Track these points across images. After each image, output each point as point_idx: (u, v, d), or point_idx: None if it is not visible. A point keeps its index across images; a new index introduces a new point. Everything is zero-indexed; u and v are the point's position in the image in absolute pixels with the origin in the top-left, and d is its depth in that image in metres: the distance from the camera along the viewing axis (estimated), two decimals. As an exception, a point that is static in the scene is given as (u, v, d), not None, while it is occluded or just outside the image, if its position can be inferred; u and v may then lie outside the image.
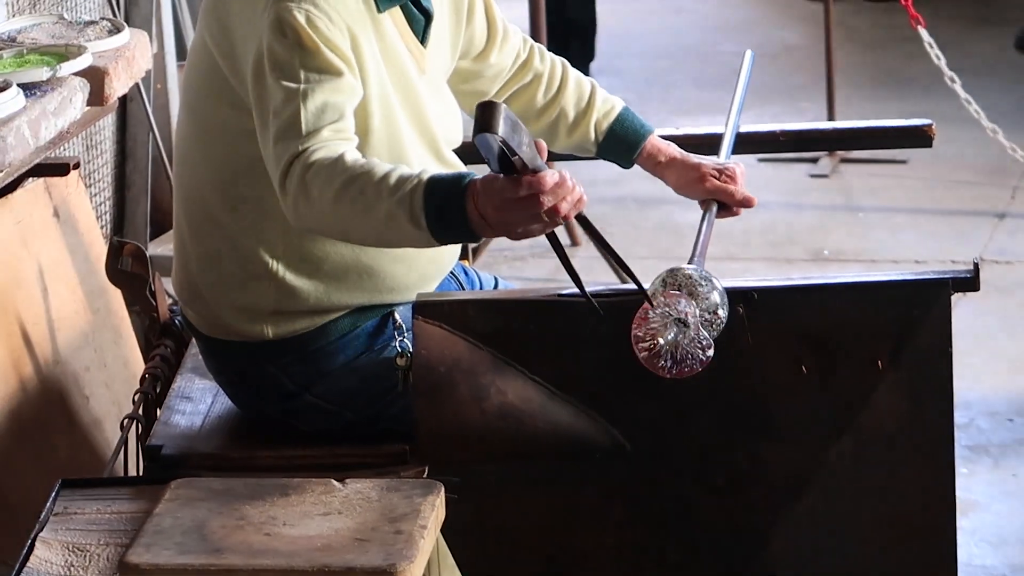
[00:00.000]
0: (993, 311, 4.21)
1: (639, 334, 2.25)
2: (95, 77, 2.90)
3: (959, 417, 3.28)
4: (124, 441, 2.55)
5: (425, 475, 2.36)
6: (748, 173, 2.64)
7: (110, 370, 3.15)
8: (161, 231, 4.16)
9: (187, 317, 2.52)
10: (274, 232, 2.38)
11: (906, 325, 2.39)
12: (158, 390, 2.62)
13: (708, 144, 2.67)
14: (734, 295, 2.34)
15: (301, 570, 2.05)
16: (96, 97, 2.90)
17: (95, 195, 3.92)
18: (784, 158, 5.20)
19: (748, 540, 2.43)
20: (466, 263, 2.70)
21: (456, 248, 2.52)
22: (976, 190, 5.07)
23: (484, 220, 2.12)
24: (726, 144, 2.65)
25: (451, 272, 2.58)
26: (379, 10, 2.35)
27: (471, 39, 2.56)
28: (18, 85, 2.75)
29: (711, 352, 2.25)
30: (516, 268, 4.52)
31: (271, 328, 2.41)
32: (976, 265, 2.42)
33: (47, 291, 3.02)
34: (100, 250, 3.18)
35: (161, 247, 3.99)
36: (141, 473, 2.53)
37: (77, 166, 3.13)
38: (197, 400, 2.59)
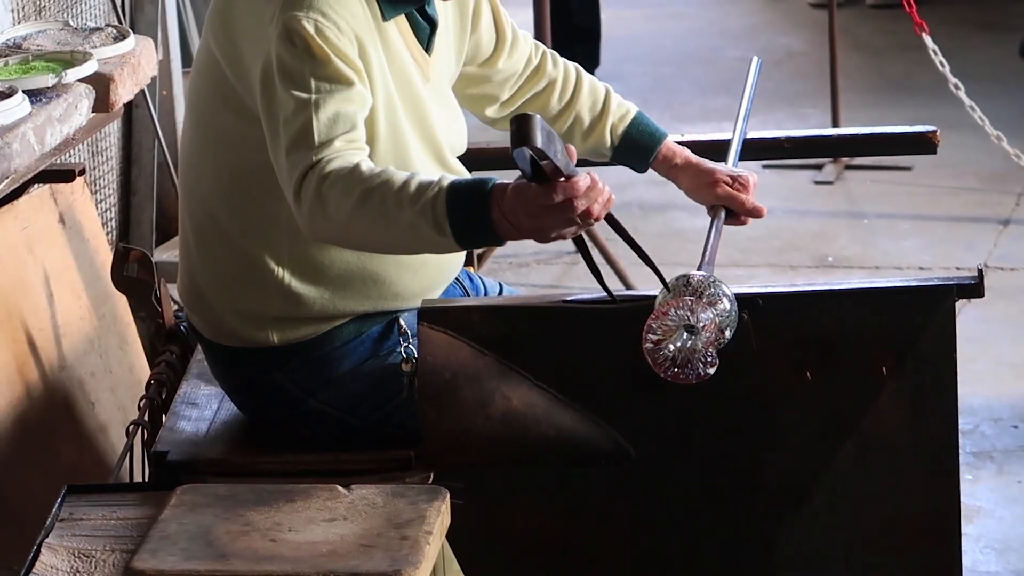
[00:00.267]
0: (997, 317, 4.21)
1: (653, 325, 2.25)
2: (100, 84, 2.91)
3: (963, 423, 3.29)
4: (130, 447, 2.55)
5: (430, 481, 2.36)
6: (752, 180, 2.65)
7: (115, 376, 3.15)
8: (166, 237, 4.17)
9: (192, 323, 2.52)
10: (280, 239, 2.38)
11: (910, 331, 2.39)
12: (163, 396, 2.62)
13: (713, 151, 2.67)
14: (739, 301, 2.34)
15: (306, 576, 2.05)
16: (101, 103, 2.91)
17: (100, 201, 3.93)
18: (788, 164, 5.21)
19: (752, 546, 2.43)
20: (471, 269, 2.70)
21: (461, 255, 2.53)
22: (980, 196, 5.07)
23: (512, 225, 2.14)
24: (733, 150, 2.66)
25: (456, 278, 2.58)
26: (385, 18, 2.35)
27: (477, 45, 2.56)
28: (23, 91, 2.76)
29: (712, 371, 2.26)
30: (521, 275, 4.52)
31: (276, 334, 2.42)
32: (980, 271, 2.42)
33: (52, 297, 3.02)
34: (105, 256, 3.18)
35: (166, 253, 3.99)
36: (147, 479, 2.54)
37: (83, 172, 3.13)
38: (203, 406, 2.59)
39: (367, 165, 2.21)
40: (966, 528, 3.20)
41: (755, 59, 2.77)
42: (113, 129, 4.02)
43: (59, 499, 2.29)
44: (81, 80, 2.89)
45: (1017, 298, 4.37)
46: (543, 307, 2.42)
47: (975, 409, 3.75)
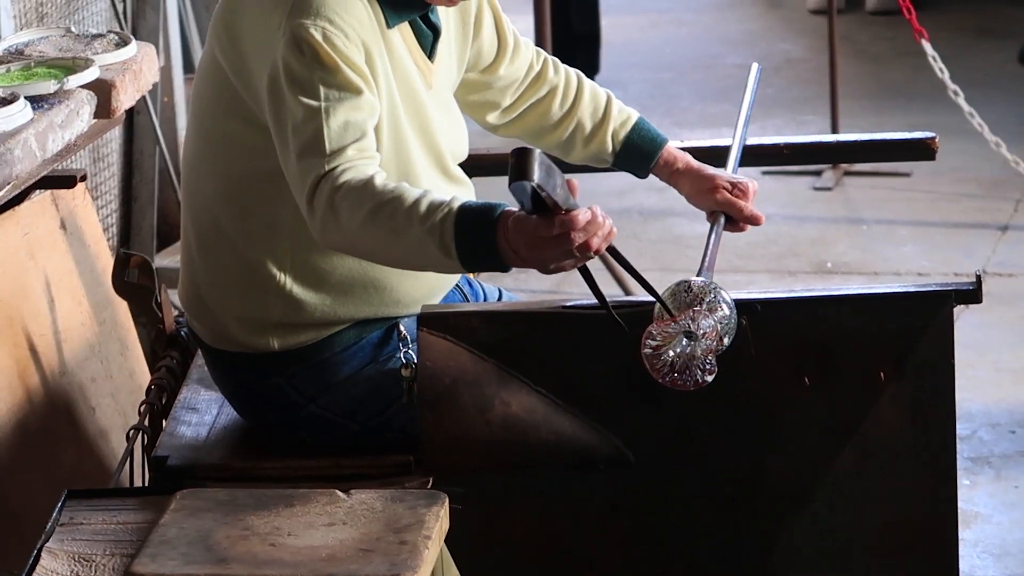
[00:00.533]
0: (995, 323, 4.22)
1: (653, 331, 2.26)
2: (102, 90, 2.92)
3: (961, 428, 3.30)
4: (130, 452, 2.56)
5: (429, 486, 2.36)
6: (751, 186, 2.66)
7: (116, 381, 3.16)
8: (167, 243, 4.17)
9: (193, 328, 2.53)
10: (282, 245, 2.39)
11: (909, 337, 2.39)
12: (164, 401, 2.63)
13: (713, 157, 2.68)
14: (738, 307, 2.35)
15: (306, 580, 2.06)
16: (103, 110, 2.92)
17: (102, 207, 3.94)
18: (788, 171, 5.21)
19: (751, 550, 2.43)
20: (471, 275, 2.70)
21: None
22: (979, 203, 5.07)
23: (516, 254, 2.15)
24: (733, 156, 2.66)
25: (456, 284, 2.59)
26: (388, 26, 2.36)
27: (479, 52, 2.57)
28: (25, 98, 2.77)
29: (710, 379, 2.26)
30: (520, 280, 4.53)
31: (277, 340, 2.42)
32: (978, 277, 2.43)
33: (54, 303, 3.02)
34: (107, 262, 3.19)
35: (167, 259, 3.99)
36: (147, 484, 2.54)
37: (84, 178, 3.14)
38: (203, 411, 2.59)
39: (380, 179, 2.22)
40: (964, 533, 3.20)
41: (755, 65, 2.77)
42: (115, 135, 4.03)
43: (59, 503, 2.30)
44: (83, 86, 2.90)
45: (1015, 304, 4.38)
46: (542, 313, 2.43)
47: (973, 414, 3.75)
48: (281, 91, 2.26)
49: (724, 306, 2.31)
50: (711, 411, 2.39)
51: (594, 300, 2.31)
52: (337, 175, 2.21)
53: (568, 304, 2.41)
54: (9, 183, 2.72)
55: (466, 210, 2.16)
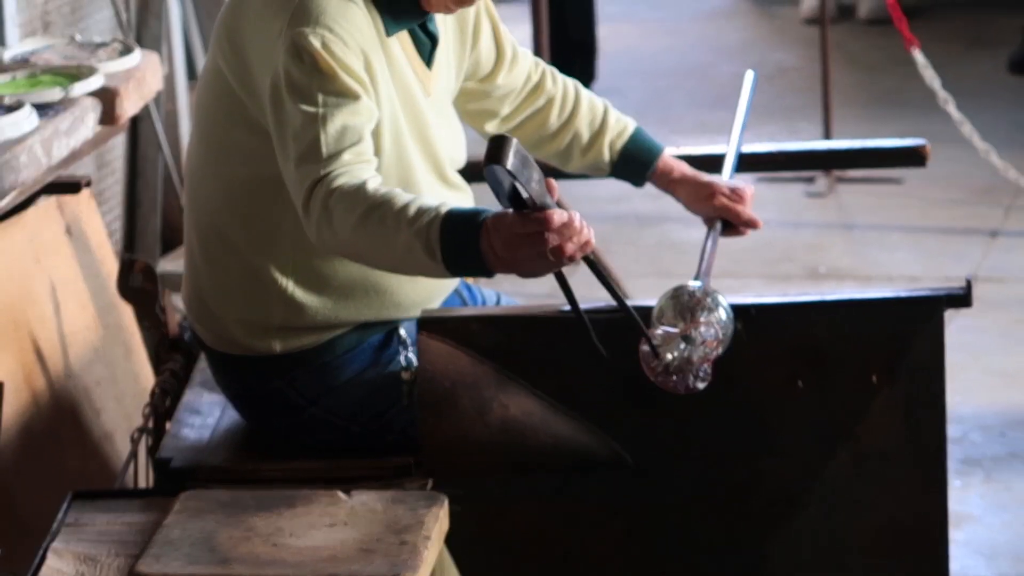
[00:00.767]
0: (986, 327, 4.24)
1: (657, 332, 2.26)
2: (106, 97, 2.93)
3: (952, 431, 3.30)
4: (134, 454, 2.57)
5: (429, 487, 2.37)
6: (745, 192, 2.67)
7: (120, 385, 3.17)
8: (171, 248, 4.17)
9: (196, 332, 2.54)
10: (284, 249, 2.40)
11: (900, 341, 2.41)
12: (167, 404, 2.64)
13: (708, 164, 2.68)
14: (733, 311, 2.36)
15: (308, 580, 2.07)
16: (107, 117, 2.93)
17: (106, 213, 3.94)
18: (781, 177, 5.22)
19: (747, 552, 2.45)
20: (470, 280, 2.73)
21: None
22: (969, 209, 5.09)
23: (494, 254, 2.12)
24: (729, 163, 2.66)
25: (455, 289, 2.61)
26: (388, 34, 2.37)
27: (477, 61, 2.58)
28: (31, 105, 2.79)
29: (702, 386, 2.27)
30: (518, 284, 4.51)
31: (279, 343, 2.44)
32: (969, 282, 2.44)
33: (59, 307, 3.03)
34: (111, 267, 3.20)
35: (171, 263, 3.99)
36: (151, 485, 2.55)
37: (89, 184, 3.14)
38: (206, 414, 2.60)
39: (374, 183, 2.22)
40: (956, 534, 3.22)
41: (750, 73, 2.77)
42: (119, 142, 4.04)
43: (65, 505, 2.31)
44: (87, 94, 2.91)
45: (1005, 308, 4.39)
46: (541, 316, 2.44)
47: (964, 417, 3.77)
48: (282, 98, 2.27)
49: (723, 312, 2.33)
50: (707, 414, 2.40)
51: (592, 306, 2.33)
52: (332, 180, 2.22)
53: (566, 308, 2.43)
54: (15, 189, 2.73)
55: (453, 214, 2.15)
